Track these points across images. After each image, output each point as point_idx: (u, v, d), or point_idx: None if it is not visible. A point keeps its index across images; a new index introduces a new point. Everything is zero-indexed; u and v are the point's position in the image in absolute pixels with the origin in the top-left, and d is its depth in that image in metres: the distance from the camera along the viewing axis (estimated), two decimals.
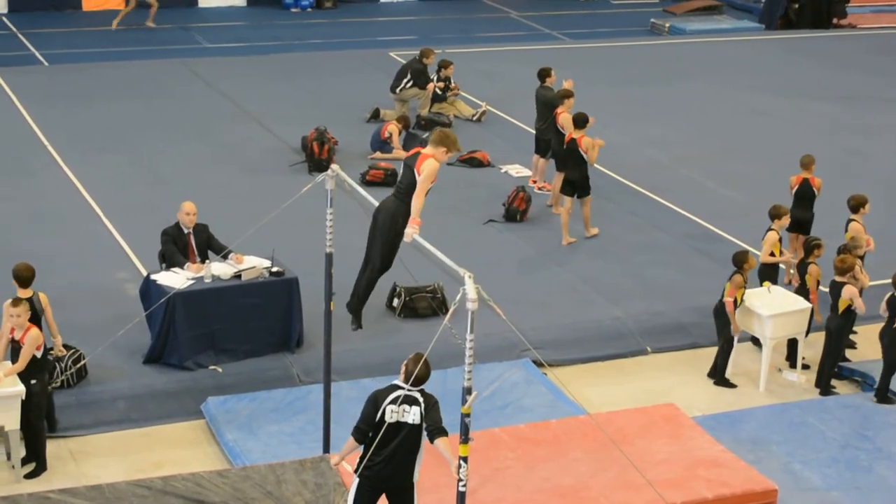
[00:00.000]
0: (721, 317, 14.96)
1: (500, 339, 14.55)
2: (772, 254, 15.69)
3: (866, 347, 15.68)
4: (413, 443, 10.24)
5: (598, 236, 18.56)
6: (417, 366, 10.13)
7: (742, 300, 14.87)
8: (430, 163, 11.66)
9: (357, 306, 12.78)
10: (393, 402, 10.15)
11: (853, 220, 16.08)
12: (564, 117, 19.09)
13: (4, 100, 24.46)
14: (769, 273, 15.68)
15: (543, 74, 20.46)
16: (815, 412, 14.21)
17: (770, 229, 15.82)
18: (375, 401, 10.23)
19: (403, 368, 10.25)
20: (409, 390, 10.13)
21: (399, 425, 10.15)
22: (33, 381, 12.39)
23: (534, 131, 20.63)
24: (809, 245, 15.41)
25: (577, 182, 18.23)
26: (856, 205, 16.14)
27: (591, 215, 18.61)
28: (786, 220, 15.92)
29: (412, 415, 10.16)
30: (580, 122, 18.25)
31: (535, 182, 20.42)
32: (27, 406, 12.40)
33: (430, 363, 10.16)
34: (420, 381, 10.16)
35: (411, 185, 11.69)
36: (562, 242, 18.36)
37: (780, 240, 15.85)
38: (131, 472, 12.74)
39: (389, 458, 10.21)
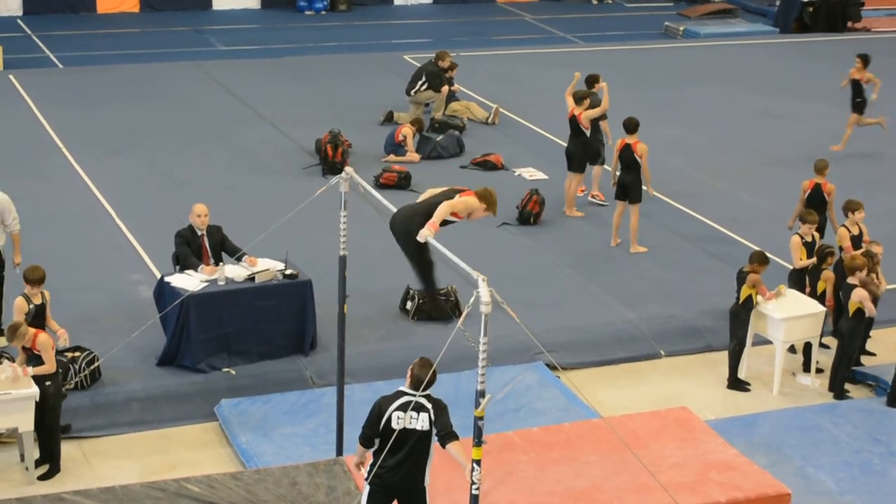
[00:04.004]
0: (736, 319, 14.94)
1: (514, 341, 14.56)
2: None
3: (882, 351, 15.63)
4: (423, 449, 10.22)
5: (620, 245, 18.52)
6: (423, 370, 10.12)
7: (757, 302, 14.86)
8: (470, 200, 11.60)
9: (431, 303, 12.38)
10: (399, 408, 10.12)
11: (843, 225, 16.05)
12: (586, 116, 19.07)
13: (19, 102, 24.53)
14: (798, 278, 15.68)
15: (592, 80, 20.29)
16: (828, 416, 14.18)
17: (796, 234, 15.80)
18: (380, 408, 10.20)
19: (409, 374, 10.24)
20: (415, 396, 10.11)
21: (407, 432, 10.11)
22: (48, 383, 12.44)
23: (548, 135, 20.66)
24: (823, 252, 15.38)
25: (629, 186, 18.16)
26: (845, 209, 16.10)
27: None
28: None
29: (421, 421, 10.13)
30: (632, 127, 18.14)
31: (594, 195, 20.31)
32: (42, 408, 12.44)
33: (435, 367, 10.12)
34: (427, 385, 10.14)
35: (435, 205, 11.59)
36: (611, 243, 18.41)
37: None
38: (145, 473, 12.78)
39: (400, 465, 10.19)
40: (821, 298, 15.30)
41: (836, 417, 14.16)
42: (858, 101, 22.57)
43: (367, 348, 15.00)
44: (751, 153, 23.12)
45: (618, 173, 18.23)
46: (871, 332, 15.55)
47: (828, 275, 15.27)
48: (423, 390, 10.12)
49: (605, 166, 19.94)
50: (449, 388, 13.91)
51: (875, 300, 14.72)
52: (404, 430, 10.08)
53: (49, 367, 12.43)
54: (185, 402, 14.05)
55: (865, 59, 22.67)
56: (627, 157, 18.02)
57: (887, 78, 28.54)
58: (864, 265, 14.65)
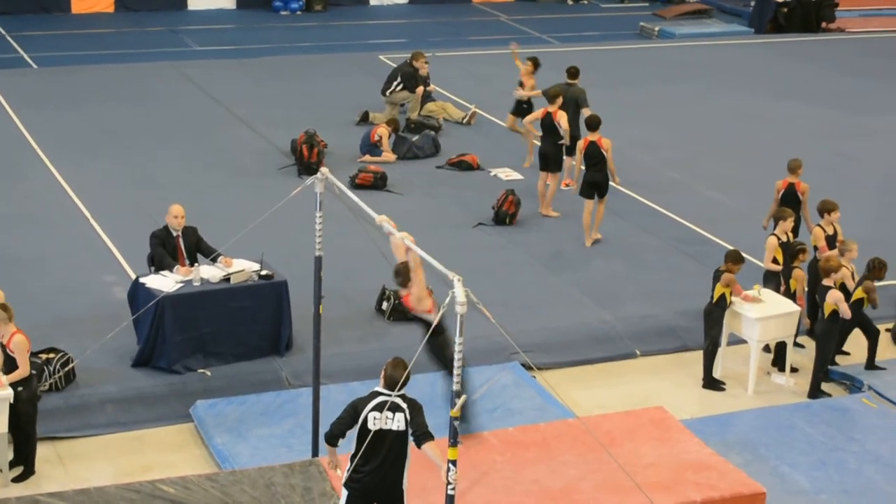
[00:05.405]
0: (709, 318, 14.98)
1: (489, 342, 14.54)
2: (774, 260, 15.69)
3: (856, 351, 15.64)
4: (400, 449, 10.18)
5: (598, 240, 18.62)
6: (396, 370, 10.10)
7: (731, 301, 14.89)
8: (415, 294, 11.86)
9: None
10: (375, 408, 10.08)
11: (818, 224, 16.11)
12: (562, 114, 19.08)
13: None
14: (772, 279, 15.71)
15: (574, 72, 20.54)
16: (803, 415, 14.22)
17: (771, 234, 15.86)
18: (355, 409, 10.16)
19: (383, 374, 10.20)
20: (391, 396, 10.08)
21: (384, 433, 10.07)
22: (20, 388, 12.35)
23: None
24: (794, 250, 15.43)
25: (600, 183, 18.26)
26: (821, 210, 16.15)
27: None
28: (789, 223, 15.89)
29: (396, 421, 10.10)
30: (595, 125, 18.22)
31: (567, 184, 20.40)
32: (17, 413, 12.37)
33: (408, 366, 10.11)
34: (401, 385, 10.09)
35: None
36: (585, 243, 18.45)
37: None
38: (120, 475, 12.74)
39: (378, 468, 10.14)
40: (795, 297, 15.35)
41: (811, 416, 14.20)
42: (525, 107, 22.13)
43: (342, 349, 14.97)
44: (726, 153, 23.18)
45: (582, 168, 18.34)
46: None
47: (798, 273, 15.32)
48: (398, 390, 10.10)
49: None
50: (425, 388, 13.87)
51: (874, 306, 14.88)
52: (380, 431, 10.05)
53: (22, 371, 12.35)
54: (160, 403, 14.01)
55: (536, 63, 22.00)
56: (595, 154, 18.10)
57: (863, 79, 28.82)
58: (838, 267, 14.70)
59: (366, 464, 10.11)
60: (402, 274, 11.83)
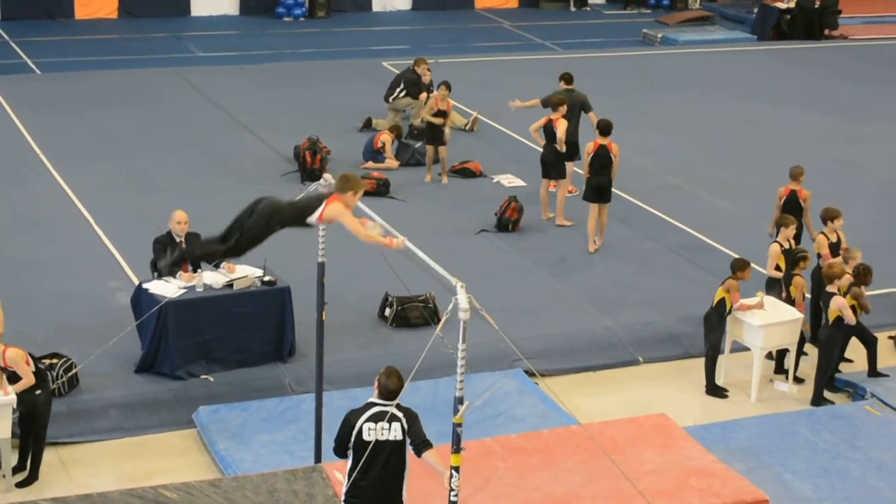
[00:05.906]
0: (709, 322, 14.98)
1: (492, 348, 14.55)
2: (777, 267, 15.69)
3: (858, 358, 15.62)
4: (398, 460, 10.04)
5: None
6: (390, 379, 9.99)
7: (730, 306, 14.89)
8: (335, 207, 11.16)
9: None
10: (370, 419, 9.95)
11: (822, 232, 16.12)
12: (562, 122, 19.06)
13: None
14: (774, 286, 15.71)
15: (571, 78, 20.57)
16: (806, 422, 14.22)
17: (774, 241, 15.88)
18: (349, 421, 10.04)
19: (377, 384, 10.10)
20: (386, 406, 9.99)
21: (381, 444, 9.93)
22: (38, 392, 12.38)
23: (527, 141, 20.64)
24: (795, 257, 15.43)
25: (605, 188, 18.30)
26: (824, 217, 16.17)
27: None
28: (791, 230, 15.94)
29: (393, 431, 9.97)
30: (608, 129, 18.25)
31: (570, 191, 20.34)
32: (33, 417, 12.42)
33: (402, 375, 10.06)
34: (394, 393, 9.96)
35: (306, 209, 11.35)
36: (588, 249, 18.47)
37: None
38: (122, 480, 12.74)
39: (376, 479, 10.00)
40: (794, 304, 15.34)
41: (814, 424, 14.20)
42: (440, 132, 21.09)
43: (345, 355, 14.97)
44: (729, 160, 23.19)
45: (588, 176, 18.33)
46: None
47: (798, 280, 15.31)
48: (392, 399, 10.01)
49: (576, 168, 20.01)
50: (427, 394, 13.93)
51: (866, 311, 14.87)
52: (377, 443, 9.90)
53: (27, 381, 12.33)
54: (162, 409, 14.01)
55: (448, 86, 21.24)
56: (603, 158, 18.11)
57: (865, 86, 28.83)
58: (841, 273, 14.71)
59: (364, 476, 9.98)
60: (350, 181, 11.12)
